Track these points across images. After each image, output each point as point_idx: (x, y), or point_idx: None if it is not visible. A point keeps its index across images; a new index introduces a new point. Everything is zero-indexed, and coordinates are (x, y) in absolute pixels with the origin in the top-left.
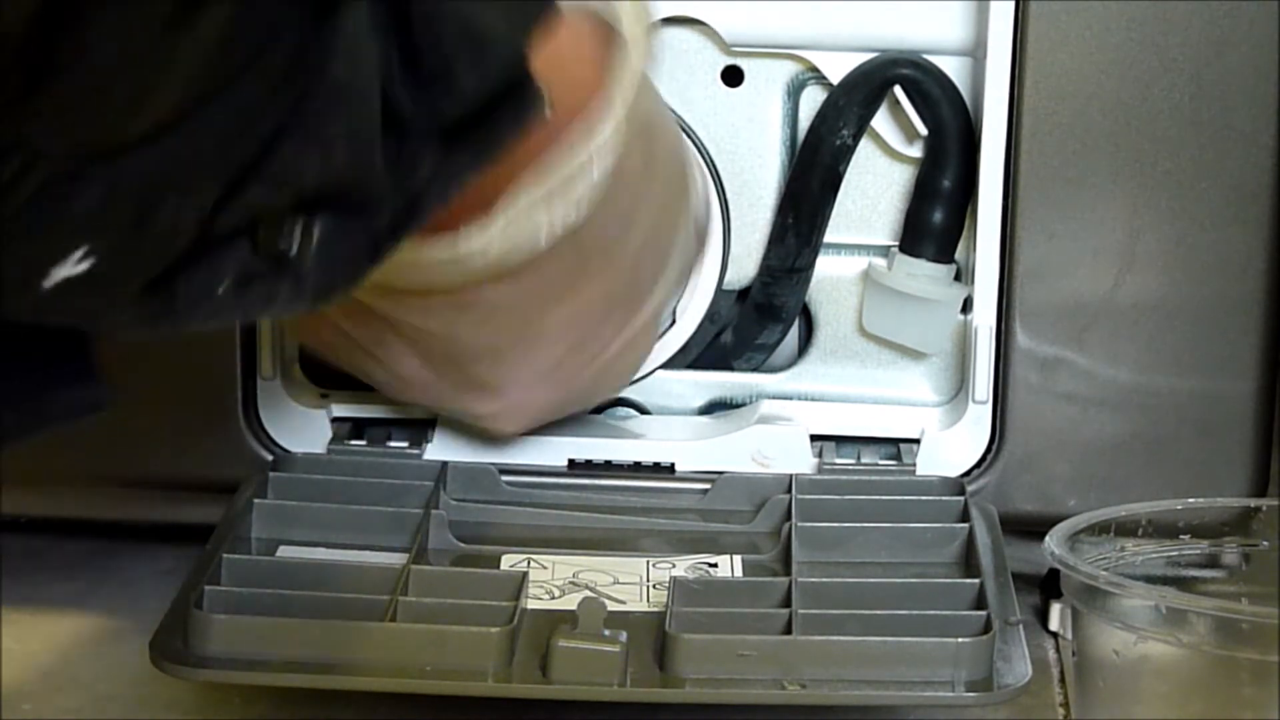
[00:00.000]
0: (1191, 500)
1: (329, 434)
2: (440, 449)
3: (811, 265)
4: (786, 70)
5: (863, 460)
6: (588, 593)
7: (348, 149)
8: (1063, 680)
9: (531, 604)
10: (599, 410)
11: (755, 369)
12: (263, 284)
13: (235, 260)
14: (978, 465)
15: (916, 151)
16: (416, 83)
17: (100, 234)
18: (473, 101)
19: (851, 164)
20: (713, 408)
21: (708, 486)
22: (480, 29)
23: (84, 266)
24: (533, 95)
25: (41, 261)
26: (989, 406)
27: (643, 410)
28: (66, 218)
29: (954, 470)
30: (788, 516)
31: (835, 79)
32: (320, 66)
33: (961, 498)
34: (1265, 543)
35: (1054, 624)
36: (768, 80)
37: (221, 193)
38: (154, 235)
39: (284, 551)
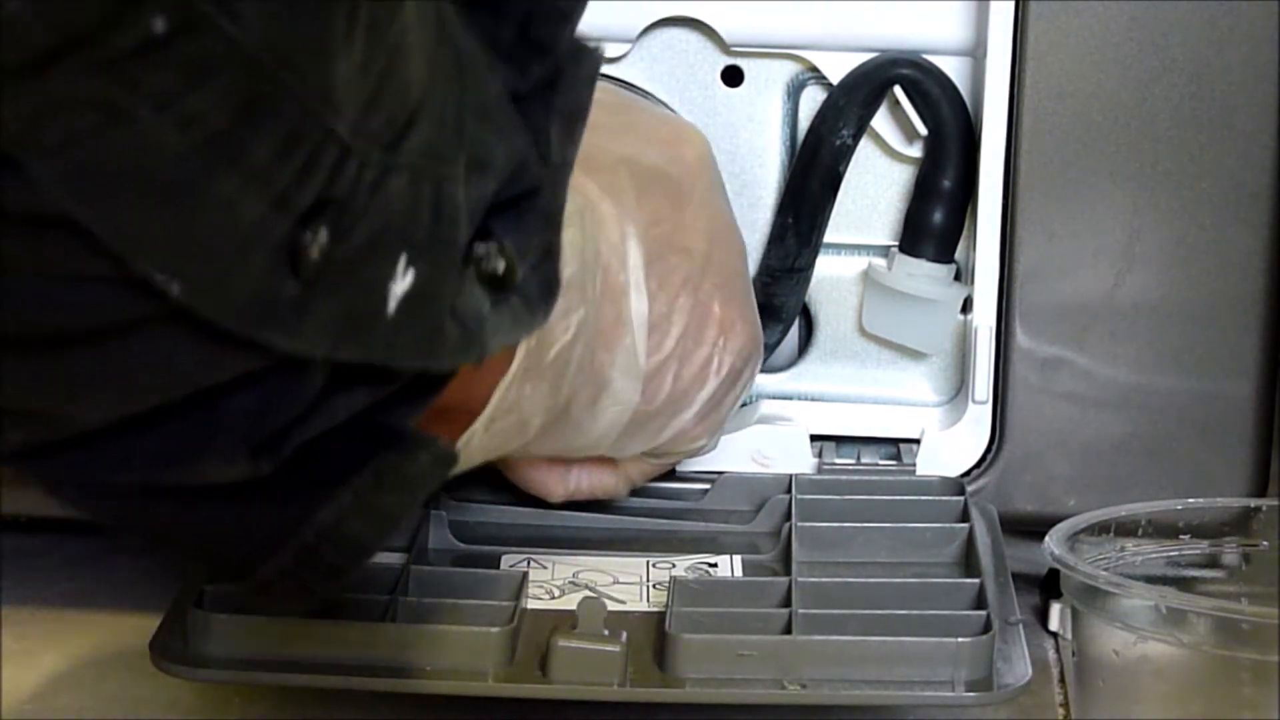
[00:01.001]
0: (1191, 500)
1: None
2: None
3: (811, 265)
4: (786, 70)
5: (863, 460)
6: (588, 593)
7: (509, 126)
8: (1063, 680)
9: (531, 604)
10: None
11: None
12: (504, 309)
13: (482, 291)
14: (978, 465)
15: (916, 151)
16: (508, 58)
17: (415, 230)
18: (563, 55)
19: (851, 164)
20: None
21: (708, 486)
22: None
23: (409, 280)
24: (588, 49)
25: (381, 280)
26: (989, 406)
27: None
28: (390, 216)
29: (954, 470)
30: (788, 516)
31: (835, 79)
32: (449, 35)
33: (961, 498)
34: (1265, 543)
35: (1054, 624)
36: (768, 80)
37: (469, 176)
38: (451, 223)
39: None
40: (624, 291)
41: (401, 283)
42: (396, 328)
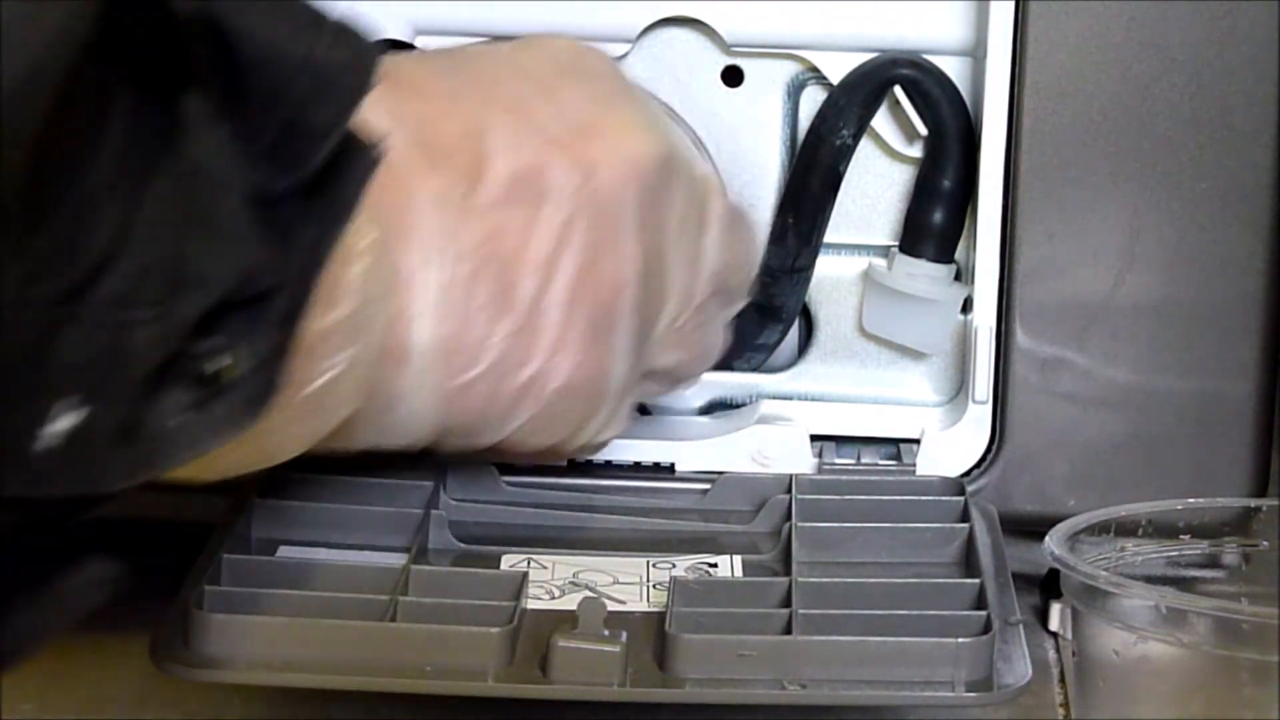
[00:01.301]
0: (1191, 500)
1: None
2: None
3: (811, 265)
4: (786, 70)
5: (863, 460)
6: (588, 593)
7: (240, 237)
8: (1063, 680)
9: (531, 604)
10: None
11: (755, 369)
12: (215, 409)
13: (185, 394)
14: (978, 465)
15: (916, 151)
16: (263, 161)
17: (83, 377)
18: (317, 169)
19: (851, 164)
20: (713, 408)
21: (708, 486)
22: (304, 101)
23: (71, 420)
24: (365, 148)
25: (30, 421)
26: (989, 406)
27: (643, 410)
28: (53, 367)
29: (954, 470)
30: (788, 516)
31: (835, 79)
32: (182, 149)
33: (961, 498)
34: (1265, 543)
35: (1054, 624)
36: (768, 80)
37: (163, 310)
38: (124, 361)
39: (284, 551)
40: (414, 318)
41: (55, 424)
42: (47, 465)
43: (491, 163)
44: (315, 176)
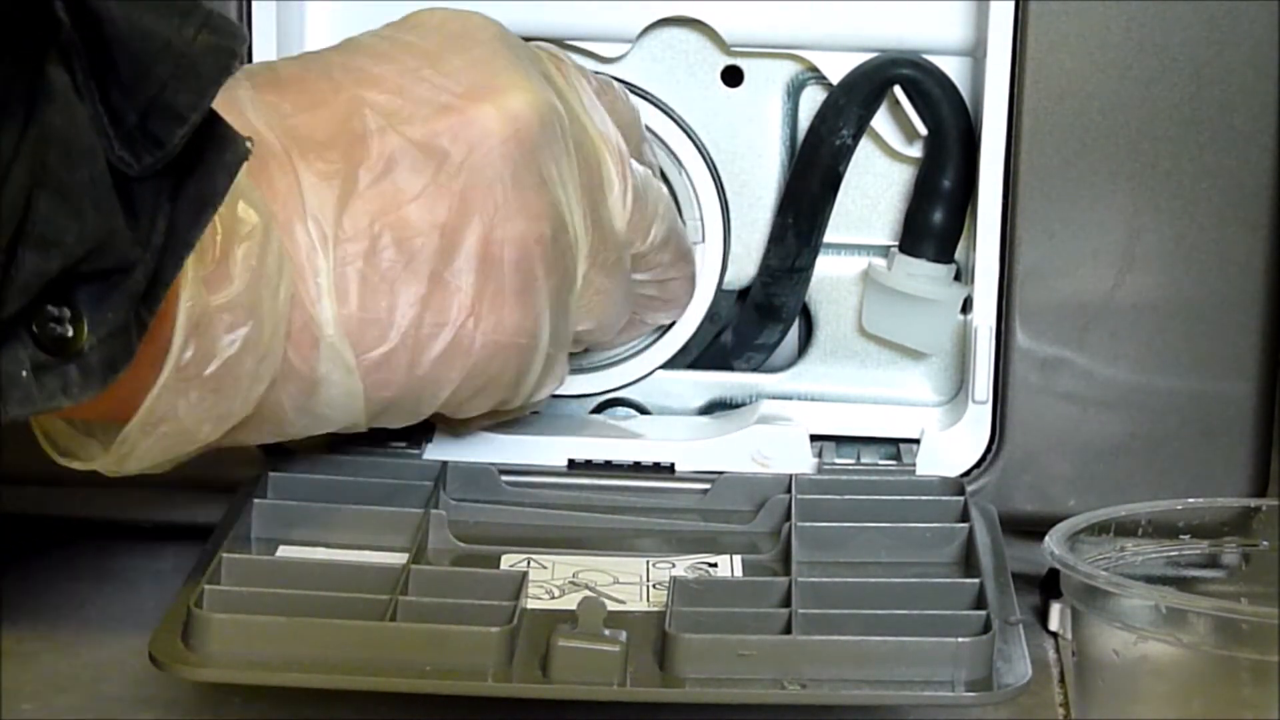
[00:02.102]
0: (1191, 500)
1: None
2: (440, 449)
3: (811, 265)
4: (786, 70)
5: (863, 460)
6: (588, 593)
7: (94, 206)
8: (1063, 680)
9: (531, 604)
10: (599, 410)
11: (755, 369)
12: (56, 372)
13: (26, 351)
14: (978, 465)
15: (916, 151)
16: (126, 140)
17: None
18: (177, 150)
19: (851, 164)
20: (713, 408)
21: (708, 486)
22: (166, 82)
23: None
24: (233, 138)
25: None
26: (989, 406)
27: (643, 410)
28: None
29: (954, 470)
30: (787, 516)
31: (835, 79)
32: (40, 116)
33: (961, 498)
34: (1265, 543)
35: (1054, 624)
36: (768, 80)
37: (4, 259)
38: None
39: (284, 551)
40: (314, 300)
41: None
42: None
43: (374, 141)
44: (183, 162)
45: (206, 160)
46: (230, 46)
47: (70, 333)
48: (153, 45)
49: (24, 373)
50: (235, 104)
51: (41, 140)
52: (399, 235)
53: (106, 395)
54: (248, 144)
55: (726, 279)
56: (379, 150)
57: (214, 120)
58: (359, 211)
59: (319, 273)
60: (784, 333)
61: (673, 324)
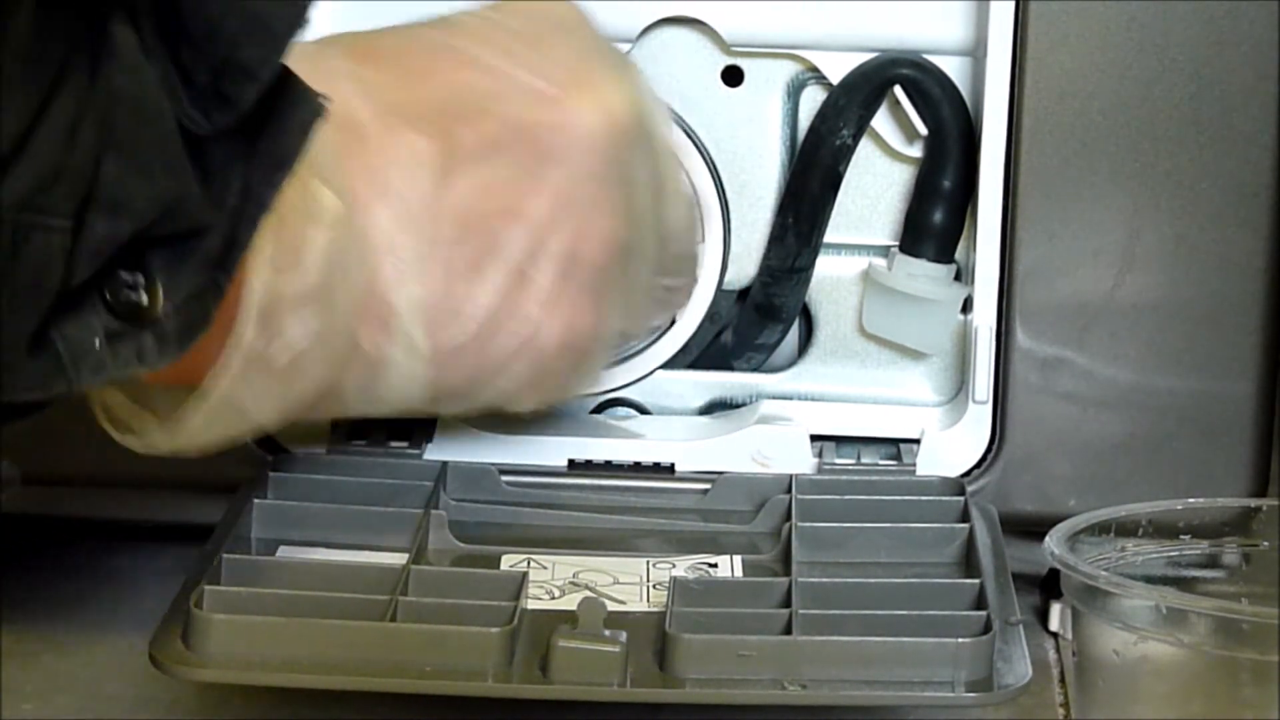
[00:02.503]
0: (1191, 500)
1: (329, 433)
2: (440, 449)
3: (811, 265)
4: (786, 70)
5: (863, 460)
6: (588, 593)
7: (164, 168)
8: (1063, 680)
9: (531, 604)
10: (599, 410)
11: (755, 369)
12: (130, 340)
13: (99, 319)
14: (978, 465)
15: (916, 151)
16: (196, 100)
17: None
18: (248, 108)
19: (851, 164)
20: (713, 408)
21: (708, 486)
22: (235, 39)
23: None
24: (308, 97)
25: None
26: (989, 406)
27: (643, 410)
28: None
29: (954, 470)
30: (788, 516)
31: (835, 79)
32: (106, 76)
33: (961, 498)
34: (1265, 543)
35: (1054, 624)
36: (768, 80)
37: (74, 223)
38: (30, 266)
39: (284, 551)
40: (395, 282)
41: None
42: None
43: (471, 122)
44: (254, 123)
45: (280, 118)
46: (301, 5)
47: (145, 300)
48: (222, 2)
49: (97, 340)
50: (330, 76)
51: (109, 101)
52: (486, 223)
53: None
54: (322, 101)
55: (726, 279)
56: (476, 134)
57: (288, 78)
58: (448, 195)
59: (401, 255)
60: (784, 333)
61: (673, 324)
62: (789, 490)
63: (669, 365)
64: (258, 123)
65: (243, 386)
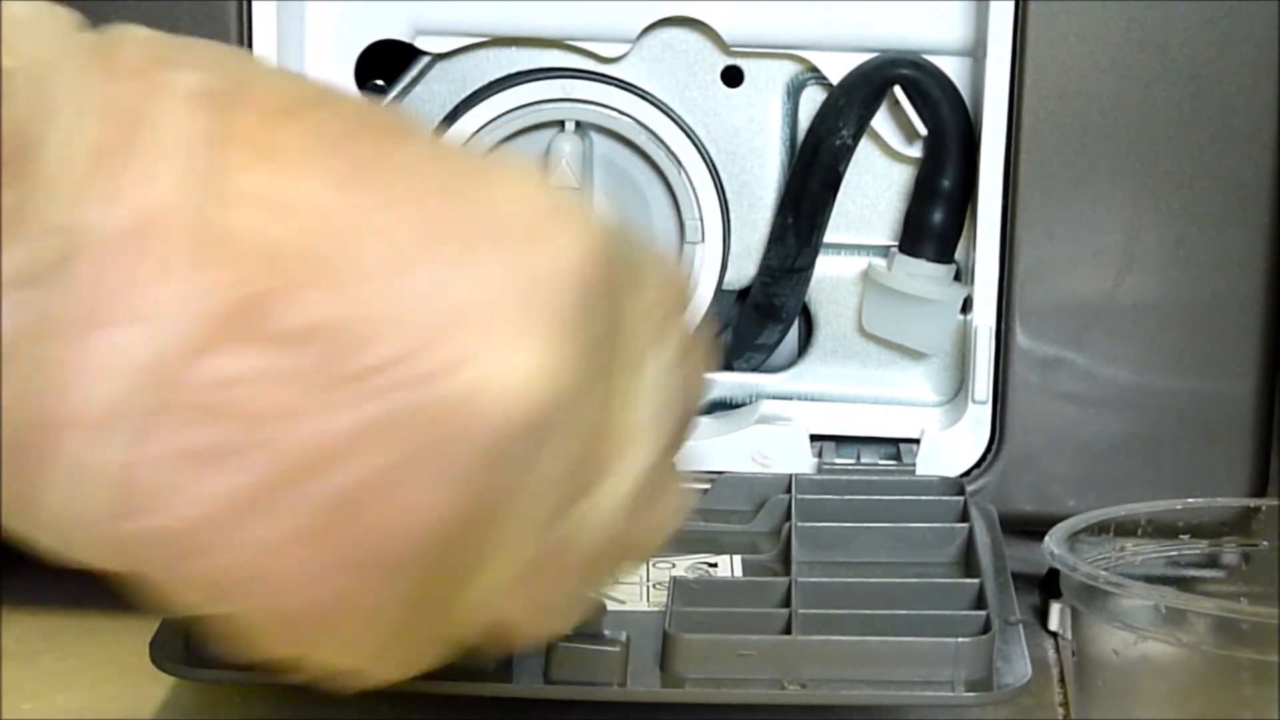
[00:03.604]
0: (1191, 500)
1: None
2: None
3: (811, 265)
4: (786, 70)
5: (862, 460)
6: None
7: None
8: (1063, 680)
9: None
10: None
11: (755, 369)
12: None
13: None
14: (977, 465)
15: (916, 151)
16: None
17: None
18: None
19: (851, 164)
20: (713, 408)
21: (708, 486)
22: None
23: None
24: None
25: None
26: (989, 406)
27: None
28: None
29: (954, 470)
30: (788, 516)
31: (835, 79)
32: None
33: (961, 498)
34: (1265, 543)
35: (1054, 624)
36: (768, 80)
37: None
38: None
39: None
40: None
41: None
42: None
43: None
44: None
45: None
46: None
47: None
48: None
49: None
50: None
51: None
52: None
53: None
54: None
55: (726, 279)
56: (301, 315)
57: None
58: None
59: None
60: (784, 333)
61: None
62: (789, 490)
63: None
64: None
65: None
